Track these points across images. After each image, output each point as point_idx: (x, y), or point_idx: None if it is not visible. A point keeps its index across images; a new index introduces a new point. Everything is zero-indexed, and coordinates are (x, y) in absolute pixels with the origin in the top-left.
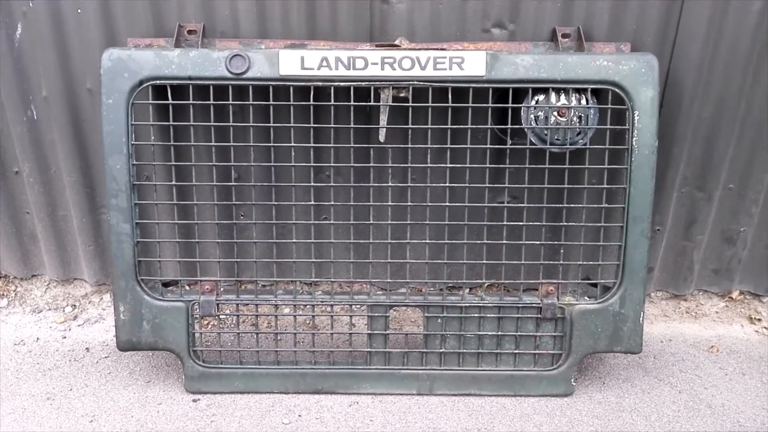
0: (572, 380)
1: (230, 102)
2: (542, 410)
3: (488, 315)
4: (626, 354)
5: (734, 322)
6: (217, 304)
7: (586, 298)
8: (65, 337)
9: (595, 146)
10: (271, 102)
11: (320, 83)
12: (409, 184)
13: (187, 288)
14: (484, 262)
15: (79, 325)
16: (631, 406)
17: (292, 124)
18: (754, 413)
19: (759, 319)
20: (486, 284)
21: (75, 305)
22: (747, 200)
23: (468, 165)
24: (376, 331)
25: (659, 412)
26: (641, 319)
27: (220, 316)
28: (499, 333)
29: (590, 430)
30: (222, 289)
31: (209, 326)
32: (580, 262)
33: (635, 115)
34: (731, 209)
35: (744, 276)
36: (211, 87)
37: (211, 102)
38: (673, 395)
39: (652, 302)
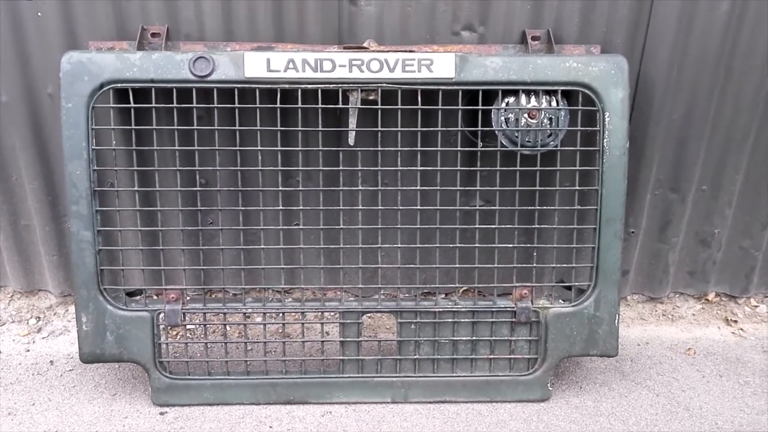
0: (548, 385)
1: (194, 105)
2: (518, 416)
3: (462, 320)
4: (602, 357)
5: (711, 324)
6: (184, 314)
7: (560, 301)
8: (29, 350)
9: (567, 148)
10: (237, 105)
11: (287, 86)
12: (380, 188)
13: (153, 297)
14: (457, 266)
15: (43, 338)
16: (609, 411)
17: (258, 128)
18: (731, 415)
19: (735, 321)
20: (460, 289)
21: (39, 317)
22: (720, 201)
23: (439, 168)
24: (348, 339)
25: (637, 416)
26: (616, 321)
27: (188, 326)
28: (474, 338)
29: None
30: (189, 297)
31: (177, 336)
32: (554, 265)
33: (606, 116)
34: (705, 211)
35: (720, 277)
36: (175, 90)
37: (175, 105)
38: (650, 398)
39: (629, 305)
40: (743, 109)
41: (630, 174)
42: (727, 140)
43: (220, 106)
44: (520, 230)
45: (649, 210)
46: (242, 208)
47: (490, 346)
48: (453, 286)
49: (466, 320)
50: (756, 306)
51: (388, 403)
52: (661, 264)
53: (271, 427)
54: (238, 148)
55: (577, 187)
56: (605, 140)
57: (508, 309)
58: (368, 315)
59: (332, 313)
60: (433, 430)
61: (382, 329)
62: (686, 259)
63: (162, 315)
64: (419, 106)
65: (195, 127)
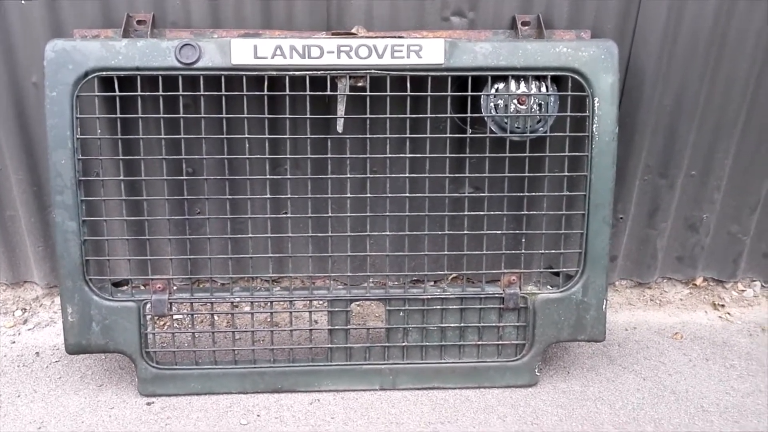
0: (536, 370)
1: (180, 93)
2: (506, 401)
3: (451, 307)
4: (590, 342)
5: (698, 309)
6: (170, 304)
7: (548, 287)
8: (14, 342)
9: (556, 134)
10: (224, 92)
11: (274, 72)
12: (368, 175)
13: (140, 287)
14: (446, 253)
15: (29, 330)
16: (596, 395)
17: (245, 115)
18: (717, 398)
19: (722, 305)
20: (450, 276)
21: (25, 309)
22: (709, 187)
23: (428, 155)
24: (336, 327)
25: (624, 400)
26: (604, 306)
27: (175, 316)
28: (462, 325)
29: (554, 420)
30: (175, 287)
31: (164, 326)
32: (543, 251)
33: (595, 101)
34: (694, 196)
35: (707, 263)
36: (161, 78)
37: (161, 93)
38: (637, 382)
39: (617, 291)
40: (733, 95)
41: (619, 160)
42: (717, 126)
43: (206, 93)
44: (509, 217)
45: (638, 196)
46: (229, 197)
47: (478, 332)
48: (442, 273)
49: (455, 307)
50: (743, 290)
51: (377, 390)
52: (650, 249)
53: (258, 415)
54: (225, 136)
55: (566, 173)
56: (595, 126)
57: (497, 295)
58: (357, 303)
59: (320, 302)
60: (421, 416)
61: (371, 317)
62: (674, 245)
63: (148, 305)
64: (408, 93)
65: (181, 115)
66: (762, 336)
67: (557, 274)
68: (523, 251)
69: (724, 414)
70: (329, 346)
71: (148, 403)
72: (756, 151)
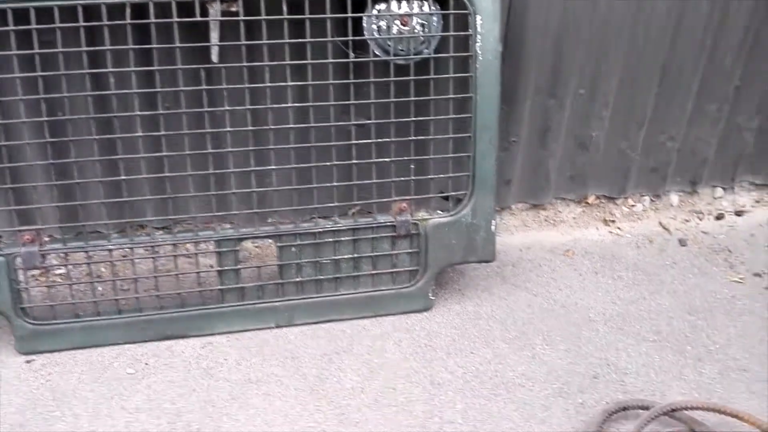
0: (430, 295)
1: (34, 27)
2: (402, 326)
3: (343, 239)
4: (482, 263)
5: (590, 226)
6: (42, 255)
7: (439, 212)
8: None
9: (440, 55)
10: (82, 23)
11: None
12: (248, 107)
13: (9, 240)
14: (335, 184)
15: None
16: (488, 314)
17: (108, 47)
18: (603, 308)
19: (613, 221)
20: (352, 209)
21: None
22: (597, 104)
23: (311, 83)
24: (226, 267)
25: (515, 316)
26: (493, 227)
27: (53, 269)
28: (356, 256)
29: (448, 340)
30: (48, 238)
31: (42, 279)
32: (432, 176)
33: (478, 19)
34: (583, 114)
35: (598, 180)
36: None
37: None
38: (528, 299)
39: (513, 214)
40: (617, 12)
41: (509, 82)
42: (603, 43)
43: (62, 26)
44: (398, 144)
45: (530, 117)
46: (97, 137)
47: (372, 262)
48: (331, 205)
49: (347, 238)
50: (633, 205)
51: (273, 328)
52: (543, 171)
53: (147, 363)
54: (86, 70)
55: (452, 96)
56: (478, 45)
57: (389, 224)
58: (256, 245)
59: (207, 244)
60: (317, 348)
61: (271, 257)
62: (566, 164)
63: (18, 258)
64: (285, 16)
65: (36, 51)
66: (649, 247)
67: (447, 198)
68: (412, 177)
69: (609, 322)
70: (220, 287)
71: (28, 361)
72: (640, 67)
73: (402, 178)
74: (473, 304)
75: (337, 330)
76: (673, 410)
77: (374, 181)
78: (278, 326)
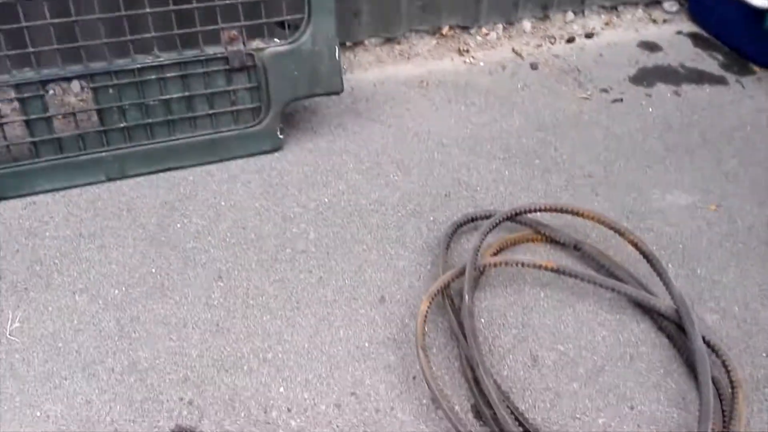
0: (279, 133)
1: None
2: (251, 168)
3: (169, 75)
4: (330, 95)
5: (445, 57)
6: None
7: (275, 40)
8: None
9: None
10: None
11: None
12: None
13: None
14: (148, 11)
15: None
16: (342, 148)
17: None
18: (456, 133)
19: (467, 50)
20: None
21: None
22: None
23: None
24: (33, 117)
25: (368, 148)
26: (337, 55)
27: None
28: (187, 94)
29: (300, 177)
30: None
31: None
32: None
33: None
34: None
35: (451, 9)
36: None
37: None
38: (382, 131)
39: (367, 50)
40: None
41: None
42: None
43: None
44: None
45: None
46: None
47: (207, 101)
48: (150, 35)
49: (174, 74)
50: (487, 34)
51: (104, 182)
52: (393, 0)
53: None
54: None
55: None
56: None
57: (219, 56)
58: (77, 95)
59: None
60: (156, 198)
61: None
62: None
63: None
64: None
65: None
66: (502, 73)
67: (283, 25)
68: (239, 0)
69: (461, 145)
70: (30, 140)
71: None
72: None
73: (228, 1)
74: (326, 141)
75: (178, 178)
76: (516, 214)
77: (195, 4)
78: (110, 179)
